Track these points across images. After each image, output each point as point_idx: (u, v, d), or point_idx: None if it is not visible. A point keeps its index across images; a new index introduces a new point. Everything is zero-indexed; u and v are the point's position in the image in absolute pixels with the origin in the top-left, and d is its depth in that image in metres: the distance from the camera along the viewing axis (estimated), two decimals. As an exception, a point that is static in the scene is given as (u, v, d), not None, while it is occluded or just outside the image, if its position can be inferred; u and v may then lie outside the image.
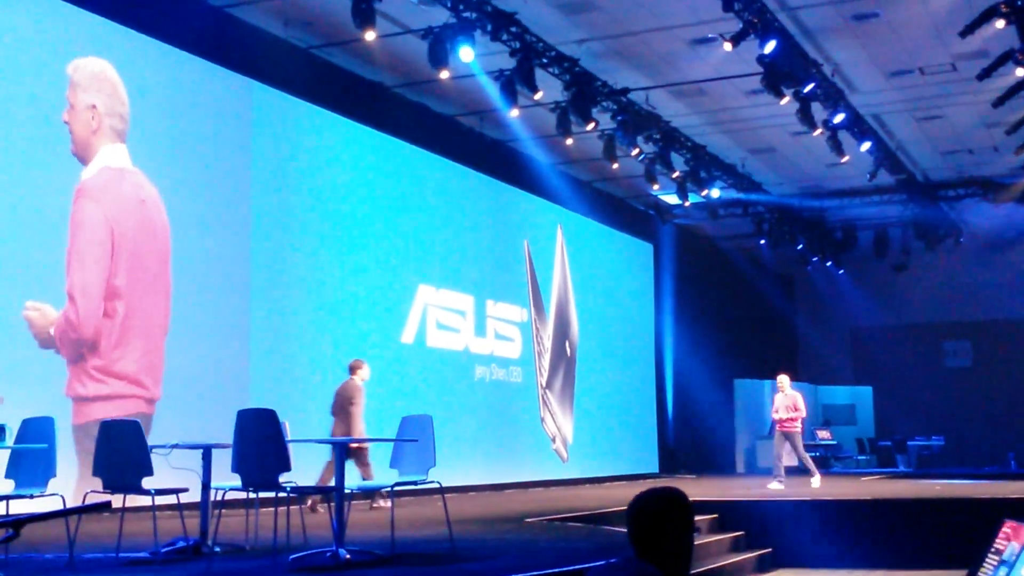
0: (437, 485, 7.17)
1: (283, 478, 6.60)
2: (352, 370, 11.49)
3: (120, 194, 10.21)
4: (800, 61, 14.07)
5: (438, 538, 7.76)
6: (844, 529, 11.58)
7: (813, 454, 23.48)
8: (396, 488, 6.98)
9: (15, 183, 9.51)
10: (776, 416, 14.91)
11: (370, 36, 11.96)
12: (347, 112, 14.13)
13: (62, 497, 6.07)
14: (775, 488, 14.03)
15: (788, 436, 14.89)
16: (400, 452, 7.28)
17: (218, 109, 12.22)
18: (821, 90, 14.85)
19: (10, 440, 6.11)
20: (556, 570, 6.26)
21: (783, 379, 15.34)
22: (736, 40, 12.86)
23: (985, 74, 13.67)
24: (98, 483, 6.76)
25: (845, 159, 16.94)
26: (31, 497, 6.17)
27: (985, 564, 6.77)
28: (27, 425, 6.51)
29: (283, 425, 6.79)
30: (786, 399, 14.93)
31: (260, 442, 6.51)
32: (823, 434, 23.73)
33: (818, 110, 15.30)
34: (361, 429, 10.80)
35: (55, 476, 6.34)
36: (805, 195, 21.95)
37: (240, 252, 12.29)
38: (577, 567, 6.18)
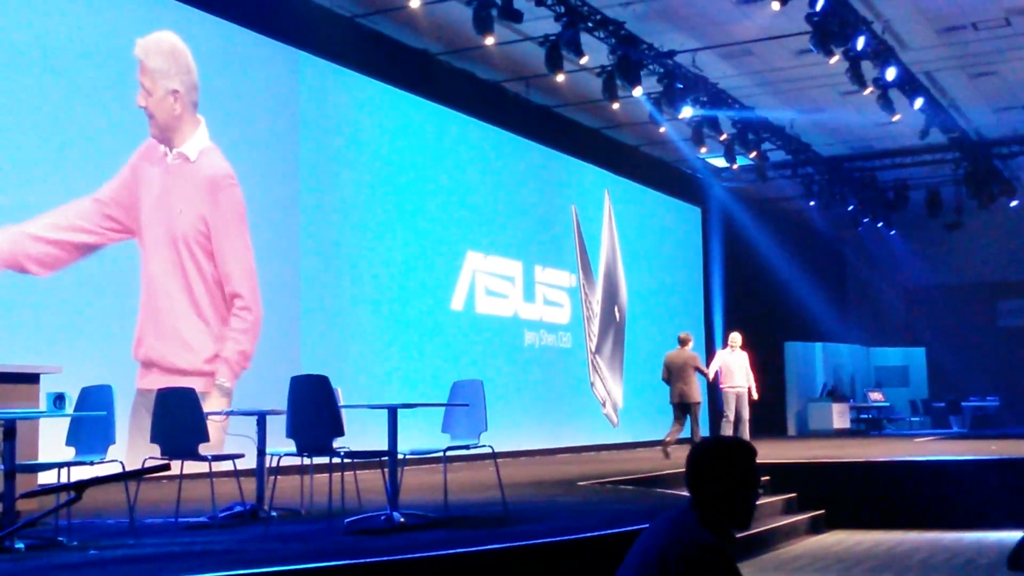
0: (489, 449, 7.22)
1: (336, 443, 6.68)
2: (683, 342, 13.63)
3: (229, 172, 10.00)
4: (850, 18, 13.88)
5: (491, 501, 7.81)
6: (898, 490, 11.52)
7: (866, 415, 23.48)
8: (448, 452, 7.04)
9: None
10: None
11: (415, 3, 11.99)
12: (393, 80, 14.15)
13: (122, 463, 6.18)
14: None
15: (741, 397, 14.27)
16: (452, 417, 7.33)
17: (265, 80, 12.28)
18: (871, 48, 14.63)
19: (70, 408, 6.22)
20: (607, 532, 6.29)
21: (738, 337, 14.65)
22: (785, -2, 12.70)
23: (1040, 28, 13.42)
24: (156, 450, 6.88)
25: (896, 118, 16.71)
26: (91, 464, 6.29)
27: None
28: (86, 393, 6.63)
29: (335, 391, 6.85)
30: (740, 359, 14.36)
31: (313, 408, 6.59)
32: (875, 396, 23.58)
33: (868, 69, 15.08)
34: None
35: (114, 443, 6.45)
36: (855, 155, 21.70)
37: (290, 222, 12.38)
38: (631, 528, 6.21)
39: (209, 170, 9.54)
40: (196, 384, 9.01)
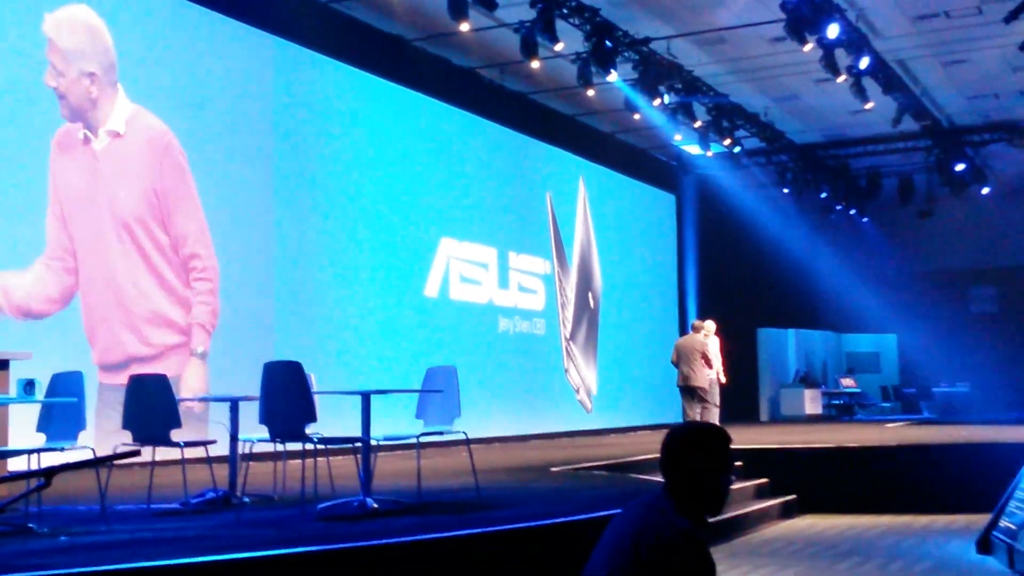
0: (463, 435, 7.23)
1: (310, 429, 6.67)
2: (696, 328, 13.93)
3: (163, 129, 9.54)
4: (824, 6, 13.91)
5: (464, 487, 7.83)
6: (869, 475, 11.63)
7: (838, 401, 23.64)
8: (421, 438, 7.04)
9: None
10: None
11: (389, -12, 11.91)
12: (367, 66, 14.10)
13: (92, 450, 6.15)
14: None
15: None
16: (425, 403, 7.34)
17: (238, 65, 12.21)
18: (845, 36, 14.68)
19: (40, 394, 6.18)
20: (583, 516, 6.32)
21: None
22: (758, -14, 12.73)
23: (1012, 16, 13.52)
24: (128, 436, 6.85)
25: (869, 106, 16.79)
26: (62, 450, 6.26)
27: (1009, 507, 6.79)
28: (57, 380, 6.59)
29: (309, 377, 6.84)
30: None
31: (287, 394, 6.57)
32: (847, 382, 23.75)
33: (842, 56, 15.15)
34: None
35: (85, 429, 6.42)
36: (828, 143, 21.79)
37: (263, 207, 12.33)
38: (604, 513, 6.23)
39: (144, 136, 8.82)
40: (175, 358, 8.82)
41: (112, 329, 8.98)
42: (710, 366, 13.80)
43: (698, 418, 13.51)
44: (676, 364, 13.84)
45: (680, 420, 20.88)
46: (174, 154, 9.10)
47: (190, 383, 9.57)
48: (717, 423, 13.32)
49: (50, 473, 3.03)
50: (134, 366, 9.06)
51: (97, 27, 8.33)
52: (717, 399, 14.11)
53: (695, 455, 3.07)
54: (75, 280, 8.08)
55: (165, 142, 9.22)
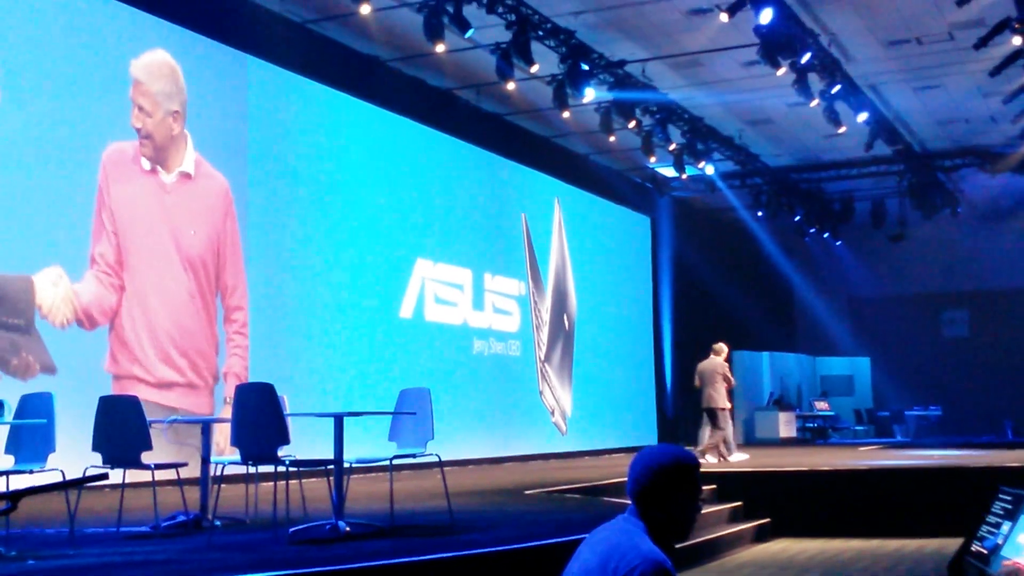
0: (436, 458, 7.20)
1: (282, 451, 6.63)
2: (715, 352, 14.41)
3: (225, 182, 9.58)
4: (797, 31, 14.02)
5: (437, 510, 7.80)
6: (842, 499, 11.65)
7: (811, 424, 23.71)
8: (394, 461, 7.01)
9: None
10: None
11: (365, 10, 11.94)
12: (343, 86, 14.09)
13: (62, 472, 6.09)
14: (741, 459, 14.04)
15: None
16: (398, 425, 7.30)
17: (214, 84, 12.16)
18: (818, 60, 14.81)
19: (9, 416, 6.12)
20: (553, 540, 6.30)
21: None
22: (732, 10, 12.83)
23: (982, 43, 13.65)
24: (98, 458, 6.79)
25: (842, 130, 16.92)
26: (31, 472, 6.20)
27: (981, 532, 6.81)
28: (26, 401, 6.53)
29: (281, 399, 6.80)
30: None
31: (258, 416, 6.53)
32: (821, 405, 23.81)
33: (815, 81, 15.27)
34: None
35: (54, 451, 6.36)
36: (802, 166, 21.94)
37: (237, 227, 12.26)
38: (574, 537, 6.21)
39: (211, 183, 9.04)
40: (193, 398, 8.62)
41: (143, 351, 8.80)
42: (729, 386, 14.28)
43: (708, 438, 14.14)
44: (699, 387, 14.33)
45: (656, 441, 20.92)
46: (233, 208, 9.01)
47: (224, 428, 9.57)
48: (732, 442, 14.00)
49: (16, 496, 2.99)
50: (145, 390, 8.84)
51: (176, 69, 8.41)
52: (729, 419, 14.44)
53: (662, 481, 3.02)
54: (119, 298, 8.09)
55: (228, 194, 9.12)
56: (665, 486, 3.02)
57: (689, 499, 3.04)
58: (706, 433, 14.34)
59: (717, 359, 14.39)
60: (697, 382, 14.38)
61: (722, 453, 14.01)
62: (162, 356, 8.54)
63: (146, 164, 7.81)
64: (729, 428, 14.25)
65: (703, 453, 13.89)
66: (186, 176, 8.36)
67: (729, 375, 14.34)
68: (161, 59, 8.32)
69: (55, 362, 7.23)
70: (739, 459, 13.94)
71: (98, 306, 7.82)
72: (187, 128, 11.50)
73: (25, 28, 9.69)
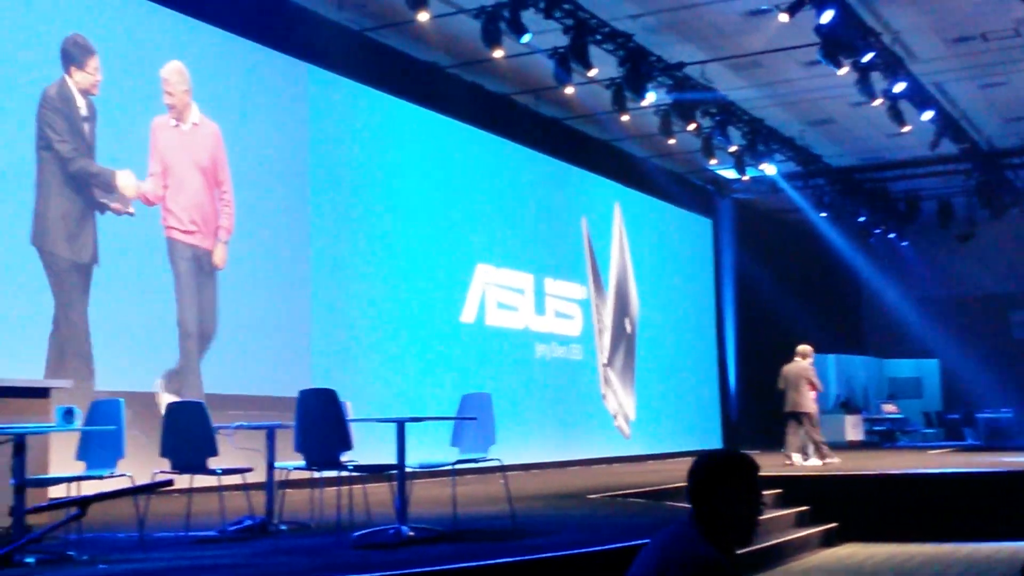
0: (498, 462, 7.21)
1: (346, 456, 6.69)
2: (800, 355, 14.23)
3: (216, 127, 11.77)
4: (858, 30, 13.86)
5: (499, 515, 7.80)
6: (911, 503, 11.46)
7: (879, 427, 23.39)
8: (457, 466, 7.03)
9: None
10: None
11: (423, 17, 11.99)
12: (402, 93, 14.19)
13: (131, 477, 6.18)
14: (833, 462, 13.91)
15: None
16: (460, 430, 7.33)
17: (275, 93, 12.34)
18: (880, 59, 14.61)
19: (79, 422, 6.24)
20: (616, 545, 6.27)
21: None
22: (792, 11, 12.71)
23: (1050, 38, 13.39)
24: (166, 463, 6.90)
25: (906, 129, 16.68)
26: (100, 478, 6.31)
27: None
28: (96, 407, 6.65)
29: (344, 405, 6.86)
30: None
31: (321, 422, 6.60)
32: (889, 408, 23.50)
33: (878, 80, 15.07)
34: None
35: (123, 456, 6.47)
36: (866, 166, 21.66)
37: (299, 236, 12.42)
38: (639, 541, 6.19)
39: (210, 128, 11.57)
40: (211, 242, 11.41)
41: (178, 217, 11.21)
42: (815, 390, 14.13)
43: (800, 442, 13.98)
44: (783, 391, 14.16)
45: (720, 445, 20.76)
46: (221, 141, 11.69)
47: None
48: (824, 442, 13.88)
49: (84, 503, 3.05)
50: (177, 234, 11.16)
51: (183, 68, 11.30)
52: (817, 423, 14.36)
53: (720, 485, 3.00)
54: (164, 190, 11.05)
55: (217, 134, 11.69)
56: (712, 484, 3.01)
57: (739, 497, 3.00)
58: (791, 436, 14.12)
59: (803, 362, 14.23)
60: (781, 385, 14.21)
61: (815, 455, 13.88)
62: (190, 219, 11.25)
63: (172, 122, 11.20)
64: (817, 432, 14.11)
65: (789, 456, 13.85)
66: (195, 124, 11.34)
67: (815, 379, 14.17)
68: (175, 66, 11.26)
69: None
70: (832, 462, 13.78)
71: (152, 193, 10.89)
72: (247, 136, 11.77)
73: (124, 49, 10.07)
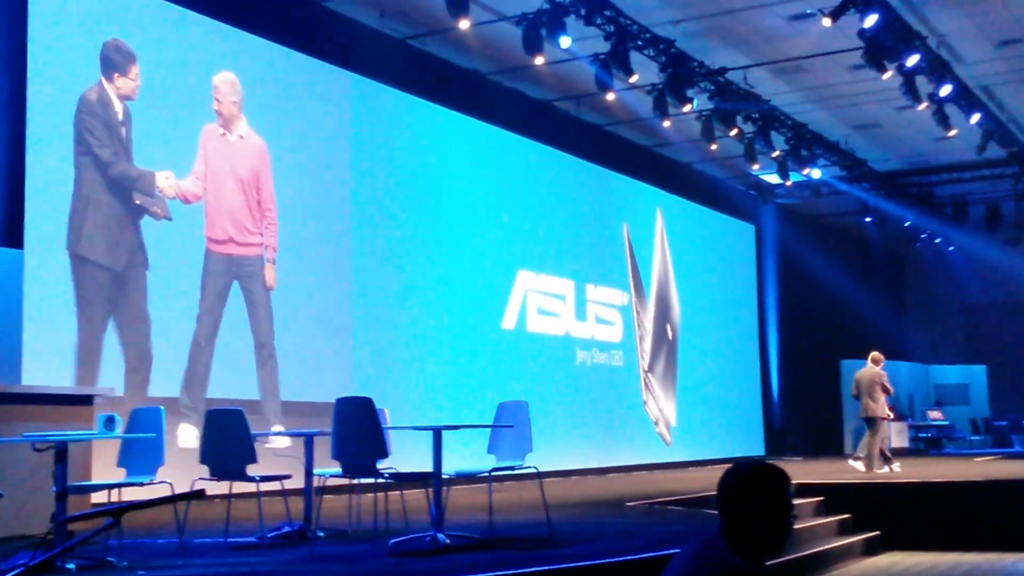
0: (534, 470, 7.22)
1: (383, 463, 6.72)
2: (874, 361, 14.20)
3: (263, 143, 11.98)
4: (903, 34, 13.74)
5: (536, 522, 7.80)
6: (955, 511, 11.32)
7: (925, 435, 23.13)
8: (493, 473, 7.05)
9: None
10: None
11: (464, 24, 12.03)
12: (444, 100, 14.24)
13: (171, 485, 6.26)
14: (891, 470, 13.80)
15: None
16: (497, 438, 7.35)
17: (317, 102, 12.44)
18: (926, 63, 14.47)
19: (120, 430, 6.32)
20: (652, 554, 6.26)
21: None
22: (835, 15, 12.63)
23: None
24: (206, 470, 6.97)
25: (953, 132, 16.50)
26: (140, 485, 6.39)
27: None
28: (136, 415, 6.74)
29: (382, 412, 6.89)
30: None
31: (358, 430, 6.63)
32: (934, 414, 23.22)
33: (923, 83, 14.92)
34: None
35: (163, 464, 6.54)
36: (912, 171, 21.44)
37: (341, 243, 12.50)
38: (672, 551, 6.16)
39: (256, 142, 11.73)
40: (255, 257, 11.62)
41: (214, 225, 11.32)
42: (888, 395, 14.21)
43: (876, 447, 13.93)
44: (856, 397, 14.26)
45: (763, 452, 20.63)
46: (267, 156, 11.86)
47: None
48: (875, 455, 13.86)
49: (119, 512, 3.10)
50: (229, 245, 11.40)
51: (235, 80, 11.51)
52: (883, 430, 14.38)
53: (746, 495, 2.98)
54: (203, 192, 11.21)
55: (264, 148, 11.81)
56: (740, 495, 2.99)
57: (767, 509, 2.97)
58: (866, 442, 14.12)
59: (875, 368, 14.20)
60: (855, 391, 14.26)
61: (869, 461, 13.86)
62: (222, 229, 11.43)
63: (220, 131, 11.37)
64: (878, 439, 14.07)
65: (870, 463, 13.83)
66: (241, 137, 11.48)
67: (887, 384, 14.16)
68: (228, 77, 11.48)
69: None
70: (884, 471, 13.75)
71: (192, 193, 11.00)
72: (289, 144, 11.87)
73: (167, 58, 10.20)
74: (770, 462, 3.09)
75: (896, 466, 13.97)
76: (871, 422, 14.07)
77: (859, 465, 13.93)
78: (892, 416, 14.55)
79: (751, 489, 2.99)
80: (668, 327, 18.94)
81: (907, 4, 13.45)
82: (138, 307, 10.31)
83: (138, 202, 10.48)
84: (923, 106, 15.34)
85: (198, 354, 10.88)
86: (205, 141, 11.19)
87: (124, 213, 10.35)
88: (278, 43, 11.97)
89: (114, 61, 10.32)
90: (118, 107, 10.36)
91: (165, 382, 10.36)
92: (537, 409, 7.28)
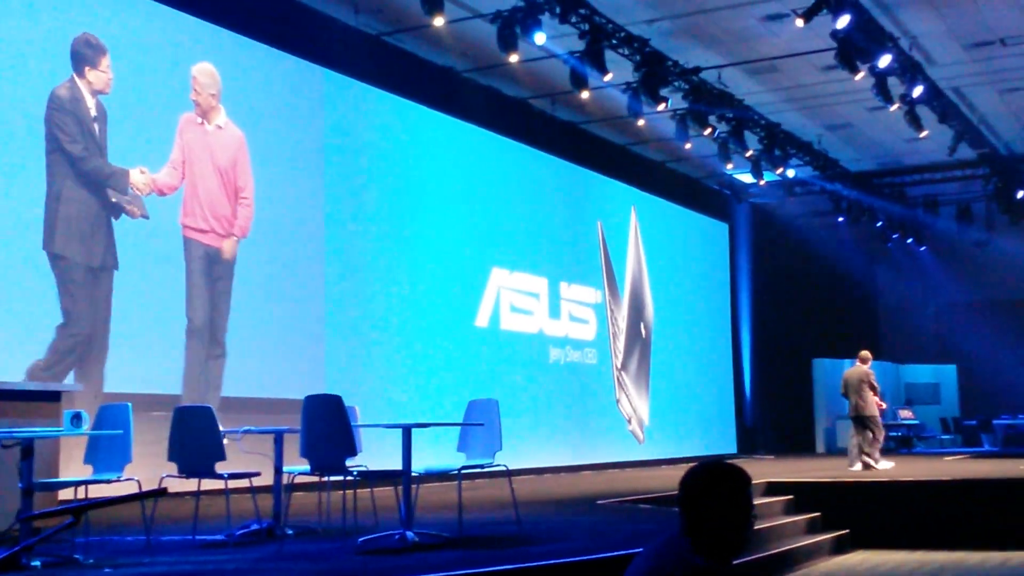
0: (504, 468, 7.22)
1: (353, 461, 6.70)
2: (861, 359, 14.26)
3: (241, 134, 11.98)
4: (875, 35, 13.81)
5: (507, 520, 7.82)
6: (924, 510, 11.40)
7: (895, 433, 23.24)
8: (463, 471, 7.05)
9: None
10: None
11: (439, 21, 12.01)
12: (418, 97, 14.22)
13: (138, 482, 6.22)
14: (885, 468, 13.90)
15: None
16: (467, 436, 7.35)
17: (291, 97, 12.39)
18: (898, 64, 14.55)
19: (86, 427, 6.28)
20: (621, 552, 6.27)
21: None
22: (808, 15, 12.67)
23: (1068, 43, 13.31)
24: (174, 467, 6.93)
25: (924, 134, 16.61)
26: (107, 482, 6.35)
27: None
28: (103, 411, 6.70)
29: (352, 410, 6.88)
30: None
31: (327, 427, 6.62)
32: (905, 413, 23.35)
33: (895, 84, 15.01)
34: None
35: (131, 461, 6.50)
36: (884, 171, 21.57)
37: (314, 238, 12.46)
38: (641, 549, 6.18)
39: (234, 132, 11.76)
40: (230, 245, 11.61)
41: (193, 213, 11.35)
42: (876, 394, 14.22)
43: (867, 447, 14.01)
44: (845, 395, 14.28)
45: (735, 450, 20.70)
46: (245, 146, 11.87)
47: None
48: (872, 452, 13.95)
49: (78, 511, 3.08)
50: (193, 233, 11.29)
51: (215, 71, 11.55)
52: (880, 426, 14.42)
53: (706, 495, 2.99)
54: (180, 181, 11.20)
55: (242, 139, 11.82)
56: (700, 495, 3.00)
57: (727, 509, 2.98)
58: (854, 442, 14.14)
59: (863, 367, 14.26)
60: (843, 390, 14.29)
61: (868, 459, 13.91)
62: (203, 218, 11.42)
63: (198, 120, 11.39)
64: (869, 437, 14.11)
65: (866, 462, 13.85)
66: (219, 127, 11.50)
67: (875, 382, 14.21)
68: (207, 68, 11.51)
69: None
70: (885, 467, 13.87)
71: (167, 185, 11.02)
72: (263, 139, 11.82)
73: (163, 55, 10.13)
74: (731, 462, 3.10)
75: (885, 464, 14.02)
76: (860, 420, 14.09)
77: (870, 462, 13.88)
78: (884, 407, 14.53)
79: (711, 488, 3.00)
80: (642, 325, 18.98)
81: (879, 5, 13.52)
82: (108, 303, 10.24)
83: (114, 200, 10.43)
84: (895, 107, 15.43)
85: (191, 339, 11.10)
86: (182, 130, 11.16)
87: (99, 209, 10.28)
88: (252, 38, 11.93)
89: (84, 55, 10.25)
90: (90, 103, 10.30)
91: (129, 378, 10.28)
92: (510, 407, 7.29)
